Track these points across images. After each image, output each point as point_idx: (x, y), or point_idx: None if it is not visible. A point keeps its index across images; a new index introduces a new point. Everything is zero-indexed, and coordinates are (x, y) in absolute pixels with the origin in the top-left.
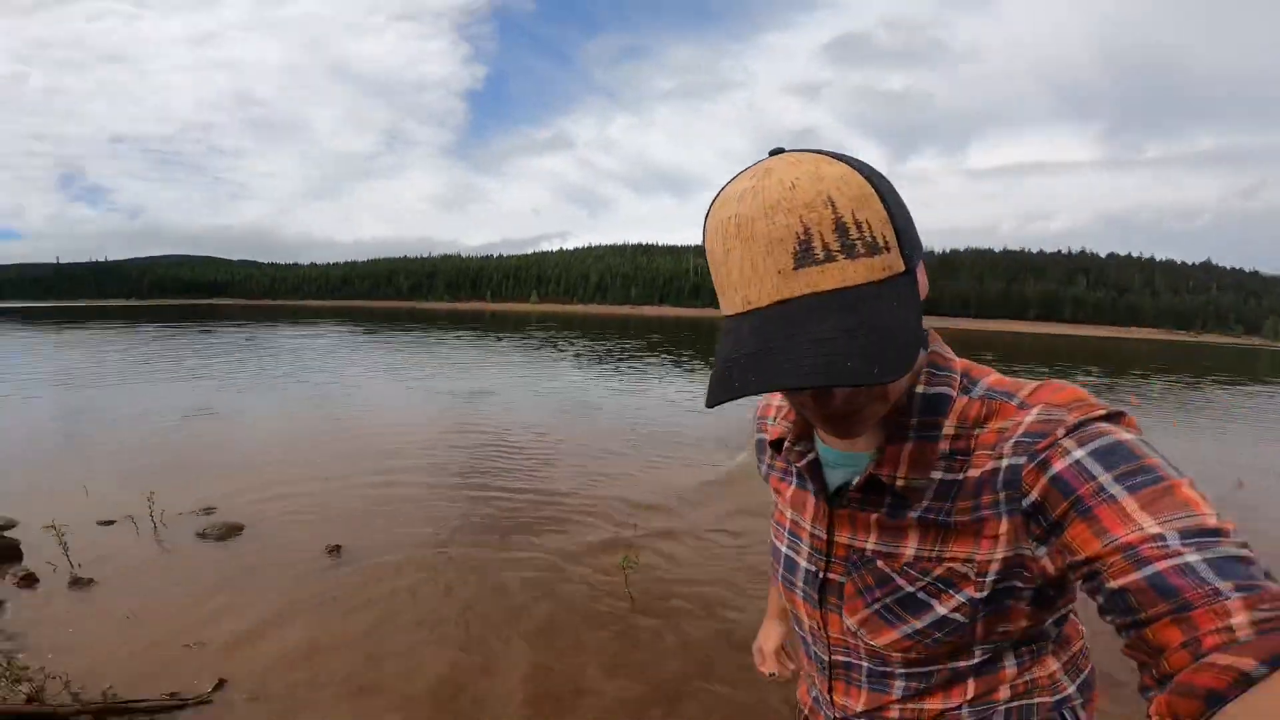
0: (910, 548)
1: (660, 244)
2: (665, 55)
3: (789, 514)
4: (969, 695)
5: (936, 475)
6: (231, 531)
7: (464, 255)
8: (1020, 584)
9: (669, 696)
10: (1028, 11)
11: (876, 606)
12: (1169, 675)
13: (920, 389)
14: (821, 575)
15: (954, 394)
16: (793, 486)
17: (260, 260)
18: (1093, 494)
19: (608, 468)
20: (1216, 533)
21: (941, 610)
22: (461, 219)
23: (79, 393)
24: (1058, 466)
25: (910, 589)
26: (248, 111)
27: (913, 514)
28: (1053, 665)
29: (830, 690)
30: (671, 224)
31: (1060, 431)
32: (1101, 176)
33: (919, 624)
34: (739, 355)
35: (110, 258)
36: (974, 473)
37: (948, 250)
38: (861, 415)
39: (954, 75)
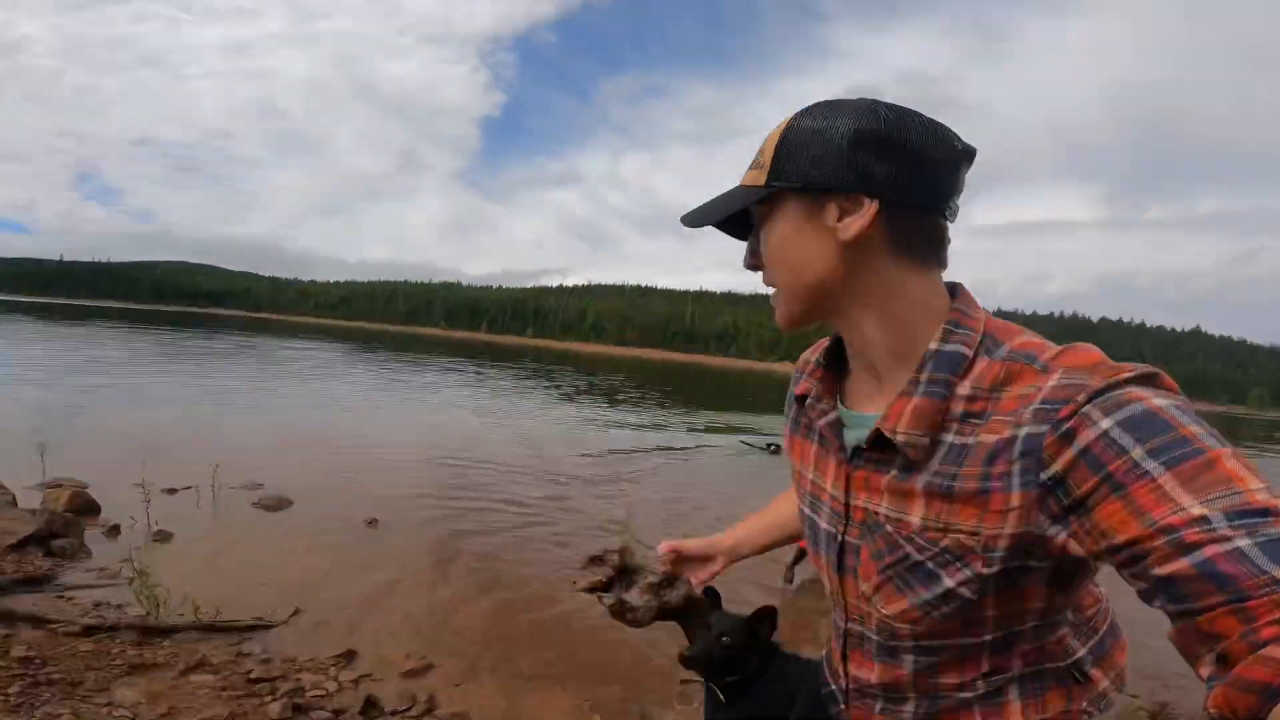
0: (917, 515)
1: (659, 286)
2: (684, 96)
3: (810, 475)
4: (983, 669)
5: (947, 438)
6: (283, 503)
7: (464, 284)
8: (1034, 563)
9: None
10: (1041, 67)
11: (889, 573)
12: (1227, 666)
13: (934, 345)
14: (840, 537)
15: (969, 353)
16: (815, 446)
17: (261, 273)
18: (1125, 470)
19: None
20: (1266, 512)
21: (949, 583)
22: (465, 246)
23: (104, 384)
24: (1085, 438)
25: (919, 557)
26: (270, 123)
27: (920, 477)
28: (1063, 630)
29: (845, 660)
30: (674, 265)
31: (1082, 397)
32: (1102, 237)
33: (927, 595)
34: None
35: (113, 259)
36: (988, 438)
37: None
38: (777, 291)
39: (965, 131)
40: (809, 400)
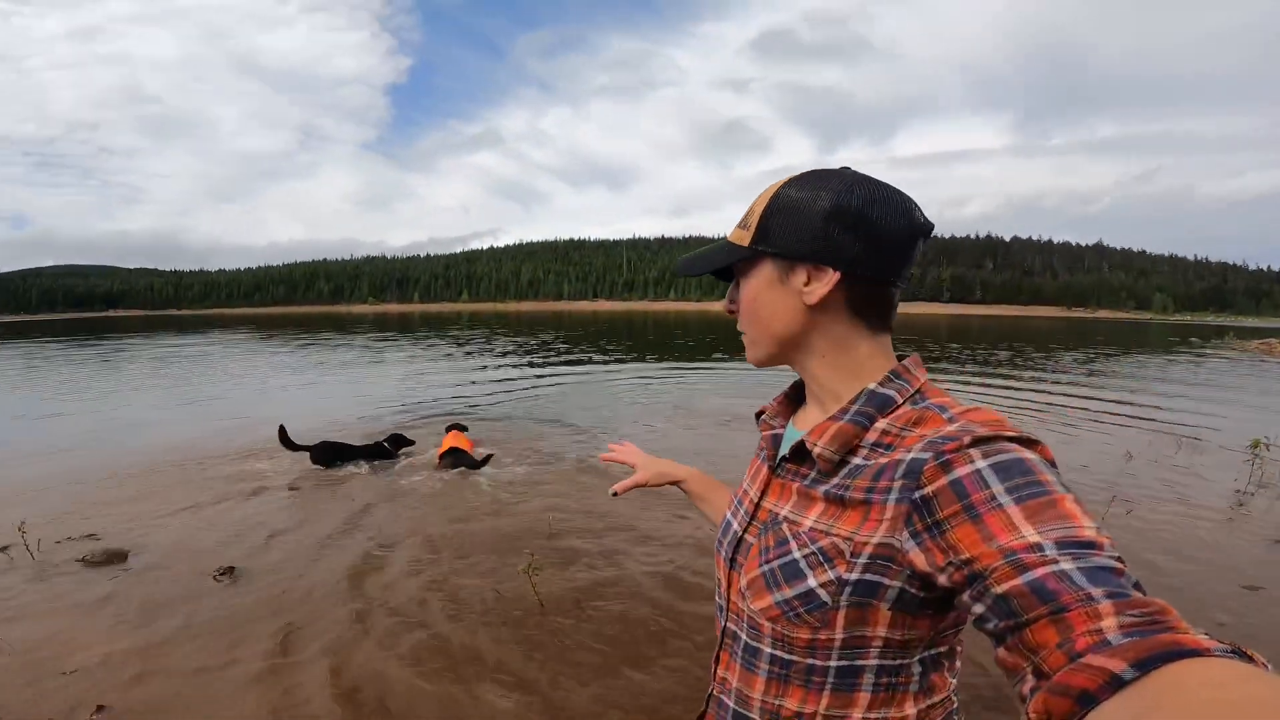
0: (811, 517)
1: (593, 239)
2: (601, 47)
3: (745, 483)
4: (822, 706)
5: (854, 459)
6: (115, 558)
7: (389, 256)
8: (885, 580)
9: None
10: (944, 3)
11: (766, 568)
12: (1046, 675)
13: (872, 385)
14: (741, 534)
15: (899, 399)
16: (759, 461)
17: (162, 268)
18: (983, 501)
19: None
20: (1091, 545)
21: (812, 582)
22: (387, 218)
23: None
24: (959, 470)
25: (797, 554)
26: (140, 109)
27: (823, 487)
28: (909, 709)
29: (717, 660)
30: (606, 216)
31: (968, 440)
32: (1012, 163)
33: (789, 592)
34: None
35: None
36: (884, 460)
37: None
38: (747, 336)
39: (877, 67)
40: (764, 417)
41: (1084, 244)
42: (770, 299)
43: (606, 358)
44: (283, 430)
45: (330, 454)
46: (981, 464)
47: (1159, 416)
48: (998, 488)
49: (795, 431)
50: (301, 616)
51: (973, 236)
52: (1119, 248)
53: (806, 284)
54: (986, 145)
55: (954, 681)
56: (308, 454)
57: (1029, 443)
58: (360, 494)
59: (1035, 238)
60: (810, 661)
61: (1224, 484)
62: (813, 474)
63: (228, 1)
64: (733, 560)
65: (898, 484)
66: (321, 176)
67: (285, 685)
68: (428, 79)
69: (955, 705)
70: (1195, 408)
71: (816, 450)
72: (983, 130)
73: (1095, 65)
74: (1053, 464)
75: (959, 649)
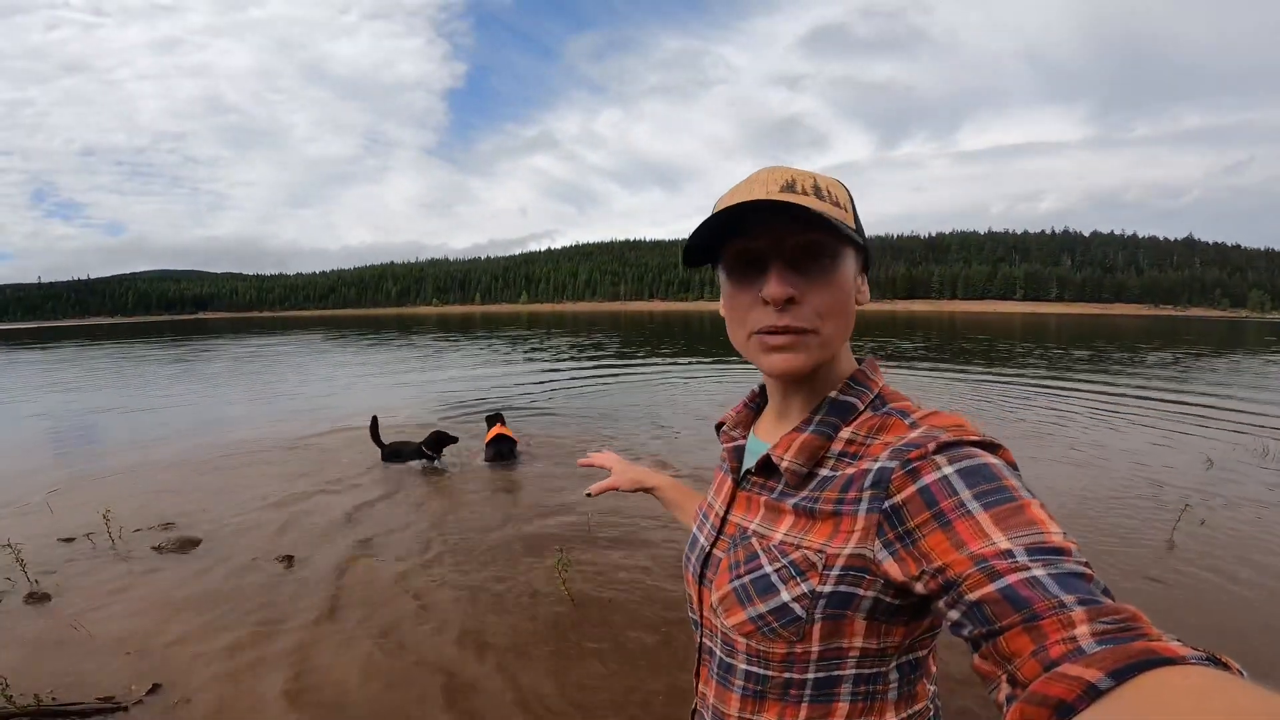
0: (781, 531)
1: (648, 239)
2: (651, 47)
3: (709, 497)
4: (801, 719)
5: (822, 471)
6: (187, 545)
7: (451, 259)
8: (860, 591)
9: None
10: None
11: (737, 584)
12: (1021, 684)
13: (834, 394)
14: (709, 549)
15: (860, 405)
16: (722, 472)
17: (245, 272)
18: (953, 508)
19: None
20: (1061, 551)
21: (785, 596)
22: (448, 221)
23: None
24: (927, 478)
25: (768, 569)
26: (221, 118)
27: (792, 500)
28: (889, 718)
29: (697, 675)
30: (661, 216)
31: (932, 446)
32: (1090, 156)
33: (762, 607)
34: (730, 207)
35: (93, 275)
36: (851, 470)
37: (934, 234)
38: (821, 333)
39: (937, 60)
40: (725, 428)
41: (1172, 238)
42: (851, 292)
43: (659, 357)
44: (374, 422)
45: (393, 454)
46: (948, 469)
47: (1249, 418)
48: (965, 494)
49: (757, 442)
50: (360, 601)
51: (1047, 232)
52: (1211, 242)
53: (859, 284)
54: (1060, 138)
55: (933, 689)
56: (379, 450)
57: (991, 447)
58: (414, 490)
59: (1117, 232)
60: (787, 675)
61: None
62: (780, 486)
63: (296, 12)
64: (701, 576)
65: (866, 494)
66: (386, 181)
67: (342, 671)
68: (483, 83)
69: (934, 712)
70: None
71: (784, 464)
72: (1055, 122)
73: (1176, 53)
74: (1015, 468)
75: (933, 658)
